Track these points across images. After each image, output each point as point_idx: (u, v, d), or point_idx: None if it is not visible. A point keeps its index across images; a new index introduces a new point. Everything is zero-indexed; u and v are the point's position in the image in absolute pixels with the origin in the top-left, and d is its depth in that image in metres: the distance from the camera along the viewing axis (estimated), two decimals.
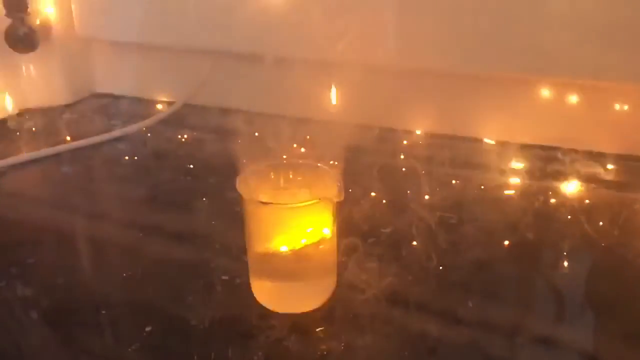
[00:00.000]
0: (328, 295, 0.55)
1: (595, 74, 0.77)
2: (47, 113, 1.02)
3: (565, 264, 0.63)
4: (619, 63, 0.75)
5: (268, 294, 0.55)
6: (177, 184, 0.79)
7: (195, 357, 0.49)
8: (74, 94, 1.07)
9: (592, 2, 0.75)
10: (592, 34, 0.75)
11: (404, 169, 0.80)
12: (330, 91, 0.93)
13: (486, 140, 0.87)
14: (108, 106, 1.06)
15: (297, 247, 0.53)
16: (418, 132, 0.90)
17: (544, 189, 0.74)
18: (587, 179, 0.76)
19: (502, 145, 0.85)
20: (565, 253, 0.64)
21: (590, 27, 0.75)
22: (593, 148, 0.82)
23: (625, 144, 0.81)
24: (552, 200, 0.72)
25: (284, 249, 0.53)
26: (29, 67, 1.01)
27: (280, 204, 0.53)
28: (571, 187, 0.74)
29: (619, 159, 0.80)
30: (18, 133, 0.95)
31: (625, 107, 0.80)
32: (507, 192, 0.75)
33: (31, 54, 0.98)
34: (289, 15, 0.89)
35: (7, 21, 0.95)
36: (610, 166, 0.79)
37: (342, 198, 0.51)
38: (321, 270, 0.54)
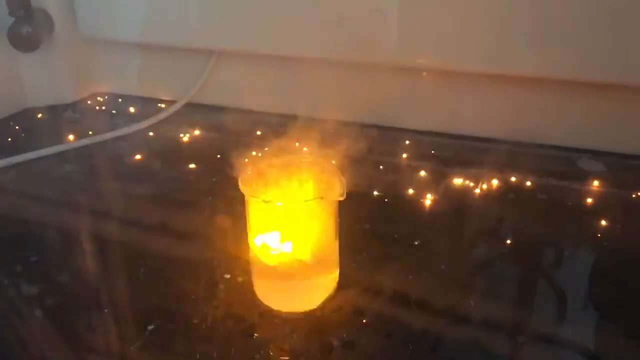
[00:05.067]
0: (329, 294, 0.55)
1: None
2: (50, 112, 1.02)
3: None
4: None
5: (270, 292, 0.55)
6: (179, 183, 0.79)
7: (198, 356, 0.49)
8: (76, 93, 1.08)
9: None
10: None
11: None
12: (331, 90, 0.93)
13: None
14: (110, 105, 1.06)
15: (299, 245, 0.53)
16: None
17: None
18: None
19: None
20: None
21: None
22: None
23: None
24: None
25: (286, 247, 0.53)
26: (32, 65, 1.01)
27: (282, 202, 0.53)
28: None
29: None
30: (20, 131, 0.95)
31: None
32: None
33: (34, 53, 0.98)
34: (289, 14, 0.89)
35: (10, 20, 0.95)
36: None
37: (344, 196, 0.51)
38: (323, 268, 0.54)
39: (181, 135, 0.93)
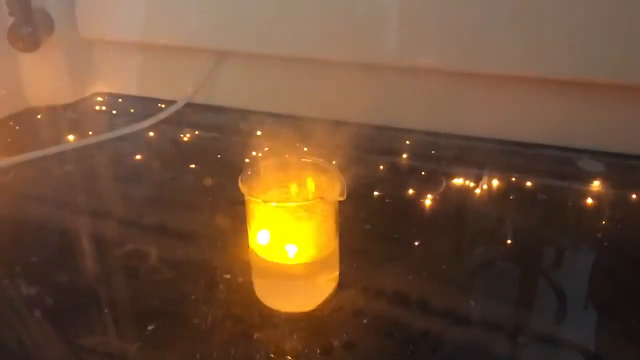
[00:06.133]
0: (329, 294, 0.55)
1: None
2: (50, 112, 1.02)
3: None
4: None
5: (270, 292, 0.55)
6: (179, 183, 0.79)
7: (198, 356, 0.49)
8: (76, 93, 1.07)
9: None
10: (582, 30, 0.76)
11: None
12: (331, 90, 0.93)
13: None
14: (110, 105, 1.06)
15: (299, 245, 0.53)
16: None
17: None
18: None
19: None
20: None
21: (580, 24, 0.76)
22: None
23: None
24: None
25: (286, 247, 0.53)
26: (32, 66, 1.01)
27: (282, 203, 0.53)
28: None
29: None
30: (20, 131, 0.95)
31: None
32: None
33: (34, 53, 0.98)
34: (290, 14, 0.89)
35: (10, 20, 0.95)
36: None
37: (344, 197, 0.51)
38: (323, 268, 0.54)
39: (181, 135, 0.93)
